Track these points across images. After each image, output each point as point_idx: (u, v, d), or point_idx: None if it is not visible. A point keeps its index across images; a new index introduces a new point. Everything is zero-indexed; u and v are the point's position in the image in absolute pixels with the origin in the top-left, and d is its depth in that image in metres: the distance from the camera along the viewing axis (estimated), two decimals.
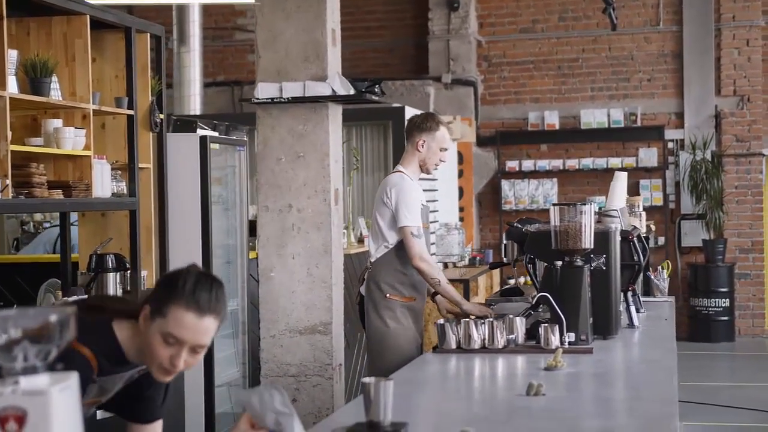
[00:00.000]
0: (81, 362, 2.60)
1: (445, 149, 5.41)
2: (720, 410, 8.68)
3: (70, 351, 2.46)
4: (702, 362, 11.28)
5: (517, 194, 13.14)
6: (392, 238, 5.24)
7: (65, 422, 1.79)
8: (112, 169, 5.58)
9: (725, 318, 12.44)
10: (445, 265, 10.71)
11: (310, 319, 5.88)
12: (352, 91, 5.88)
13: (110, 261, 5.53)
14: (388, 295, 5.25)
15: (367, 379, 2.77)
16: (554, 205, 4.54)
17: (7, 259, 7.47)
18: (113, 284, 5.52)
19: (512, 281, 12.44)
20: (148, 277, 5.94)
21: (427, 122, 5.37)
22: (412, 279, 5.26)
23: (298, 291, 5.87)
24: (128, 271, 5.67)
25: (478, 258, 11.39)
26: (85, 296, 5.20)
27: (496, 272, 11.52)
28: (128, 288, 5.70)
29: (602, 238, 4.61)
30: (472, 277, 9.80)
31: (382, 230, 5.27)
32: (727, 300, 12.43)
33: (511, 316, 4.46)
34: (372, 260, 5.34)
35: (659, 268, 6.57)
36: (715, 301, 12.41)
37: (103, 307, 2.77)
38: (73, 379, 1.83)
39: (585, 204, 4.50)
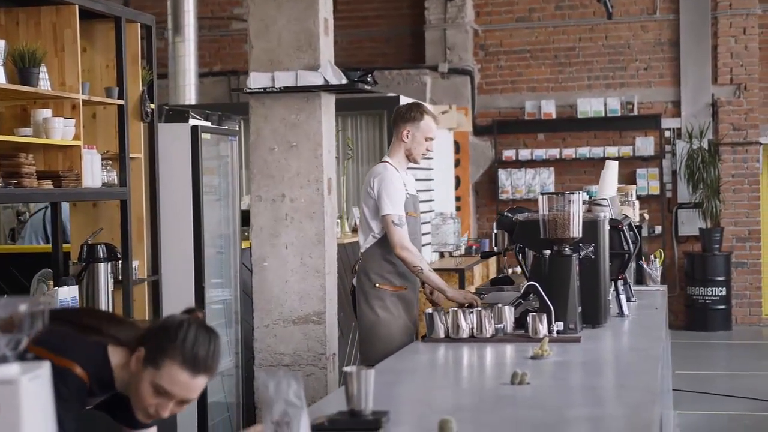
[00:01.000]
0: (75, 382, 2.61)
1: (431, 138, 5.40)
2: (715, 399, 8.69)
3: (65, 370, 2.54)
4: (698, 351, 11.30)
5: (514, 183, 13.14)
6: (378, 228, 5.27)
7: (36, 411, 1.79)
8: (103, 159, 5.58)
9: (722, 307, 12.45)
10: (441, 255, 10.72)
11: (303, 308, 5.89)
12: (344, 81, 5.88)
13: (101, 251, 5.52)
14: (377, 284, 5.28)
15: (348, 368, 2.79)
16: (543, 194, 4.55)
17: (2, 249, 7.47)
18: (104, 274, 5.51)
19: (509, 270, 12.46)
20: (140, 267, 5.94)
21: (411, 112, 5.37)
22: (400, 268, 5.28)
23: (292, 281, 5.87)
24: (119, 261, 5.67)
25: (474, 247, 11.40)
26: (77, 306, 5.17)
27: (493, 261, 11.54)
28: (119, 278, 5.69)
29: (591, 227, 4.61)
30: (468, 266, 9.80)
31: (368, 220, 5.31)
32: (724, 289, 12.44)
33: (500, 305, 4.47)
34: (361, 251, 5.38)
35: (652, 257, 6.56)
36: (712, 290, 12.42)
37: (99, 330, 2.74)
38: (44, 368, 1.83)
39: (573, 193, 4.50)
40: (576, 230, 4.46)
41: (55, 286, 5.39)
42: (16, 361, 1.81)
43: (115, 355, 2.70)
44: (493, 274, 11.13)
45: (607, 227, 4.78)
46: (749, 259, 12.81)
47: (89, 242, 5.58)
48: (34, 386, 1.79)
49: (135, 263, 5.84)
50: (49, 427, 1.83)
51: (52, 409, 1.85)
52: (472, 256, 10.83)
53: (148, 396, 2.63)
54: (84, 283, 5.48)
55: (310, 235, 5.89)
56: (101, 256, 5.51)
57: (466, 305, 5.04)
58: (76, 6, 5.26)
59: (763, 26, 12.82)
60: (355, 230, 8.24)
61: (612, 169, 5.73)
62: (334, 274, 6.08)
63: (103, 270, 5.52)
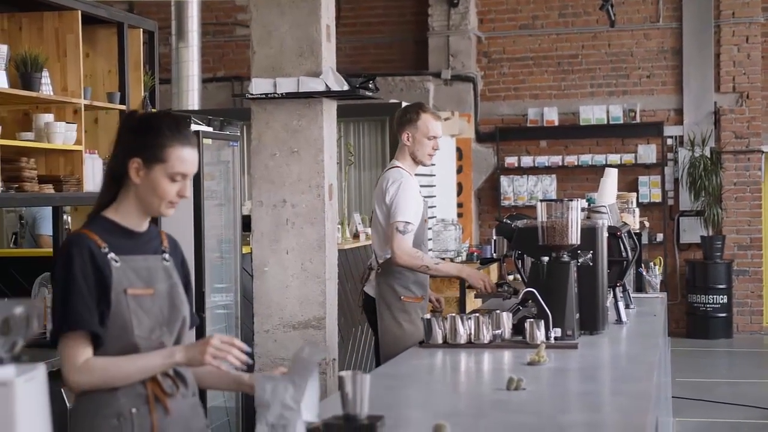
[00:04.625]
0: (79, 235, 2.87)
1: (433, 137, 5.31)
2: (716, 406, 8.70)
3: (68, 239, 2.91)
4: (699, 359, 11.30)
5: (516, 190, 13.15)
6: None
7: (30, 413, 1.81)
8: (104, 163, 5.60)
9: (723, 314, 12.45)
10: (442, 261, 10.71)
11: (303, 314, 5.89)
12: (345, 87, 5.89)
13: None
14: (402, 297, 5.20)
15: (343, 373, 2.80)
16: (541, 201, 4.56)
17: (4, 253, 7.49)
18: None
19: (511, 277, 12.45)
20: None
21: (407, 114, 5.32)
22: (419, 277, 5.22)
23: (292, 286, 5.88)
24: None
25: (476, 254, 11.40)
26: None
27: (494, 268, 11.54)
28: None
29: (589, 234, 4.62)
30: None
31: (386, 230, 5.20)
32: (725, 296, 12.44)
33: (498, 311, 4.48)
34: (380, 261, 5.26)
35: (651, 264, 6.58)
36: (713, 298, 12.42)
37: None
38: (39, 370, 1.85)
39: (572, 200, 4.51)
40: (574, 237, 4.47)
41: None
42: (11, 363, 1.83)
43: (110, 212, 2.93)
44: (494, 281, 11.13)
45: (606, 234, 4.79)
46: (750, 267, 12.81)
47: None
48: (29, 388, 1.81)
49: None
50: (43, 429, 1.85)
51: (47, 411, 1.87)
52: (473, 262, 10.83)
53: (167, 188, 2.88)
54: None
55: (311, 241, 5.90)
56: None
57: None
58: (79, 12, 5.29)
59: (765, 35, 12.83)
60: (356, 236, 8.26)
61: (611, 177, 5.75)
62: (334, 280, 6.09)
63: None
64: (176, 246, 3.10)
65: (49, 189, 5.05)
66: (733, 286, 12.61)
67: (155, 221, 3.25)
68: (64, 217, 6.43)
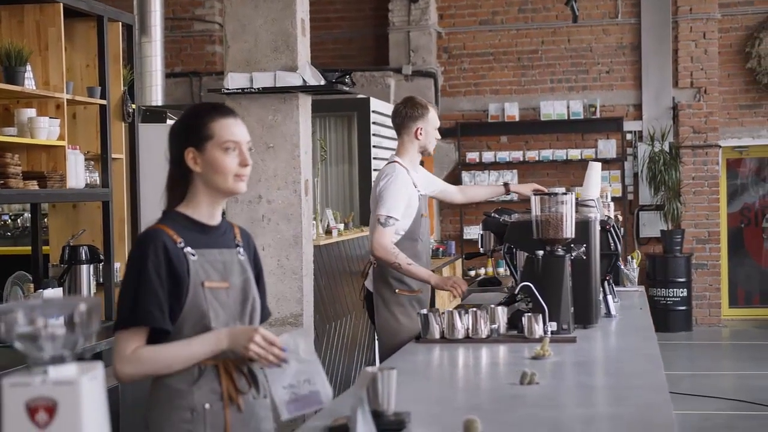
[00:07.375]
0: (154, 230, 2.88)
1: (438, 127, 5.44)
2: (680, 398, 8.78)
3: (141, 235, 2.92)
4: (661, 352, 11.36)
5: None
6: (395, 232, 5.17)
7: (94, 411, 1.77)
8: (85, 159, 5.51)
9: (683, 308, 12.59)
10: None
11: (280, 310, 5.86)
12: (322, 82, 5.86)
13: (83, 253, 5.45)
14: (397, 290, 5.20)
15: (370, 369, 2.77)
16: (535, 194, 4.56)
17: None
18: (86, 276, 5.45)
19: (472, 273, 12.50)
20: (121, 269, 5.87)
21: (417, 109, 5.33)
22: None
23: (269, 282, 5.74)
24: (101, 263, 5.60)
25: (440, 249, 11.44)
26: None
27: (459, 263, 11.59)
28: (101, 280, 5.63)
29: (582, 227, 4.63)
30: (435, 268, 9.82)
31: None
32: (685, 290, 12.58)
33: (492, 305, 4.48)
34: (377, 255, 5.19)
35: (629, 258, 6.62)
36: (673, 291, 12.55)
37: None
38: (99, 369, 1.81)
39: (566, 193, 4.52)
40: (569, 231, 4.47)
41: (36, 289, 5.31)
42: (73, 362, 1.78)
43: (181, 208, 2.94)
44: (459, 276, 11.16)
45: (598, 228, 4.81)
46: (709, 260, 12.96)
47: (71, 244, 5.51)
48: (93, 386, 1.77)
49: (117, 265, 5.77)
50: (104, 427, 1.81)
51: (106, 409, 1.82)
52: (439, 258, 10.86)
53: (225, 160, 2.89)
54: (65, 286, 5.41)
55: (287, 237, 5.87)
56: (83, 258, 5.44)
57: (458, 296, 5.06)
58: (61, 4, 5.19)
59: (722, 30, 12.98)
60: (329, 232, 8.23)
61: (595, 170, 5.76)
62: (310, 276, 6.06)
63: (85, 272, 5.46)
64: (249, 239, 3.11)
65: (33, 185, 4.96)
66: (693, 280, 12.75)
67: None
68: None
